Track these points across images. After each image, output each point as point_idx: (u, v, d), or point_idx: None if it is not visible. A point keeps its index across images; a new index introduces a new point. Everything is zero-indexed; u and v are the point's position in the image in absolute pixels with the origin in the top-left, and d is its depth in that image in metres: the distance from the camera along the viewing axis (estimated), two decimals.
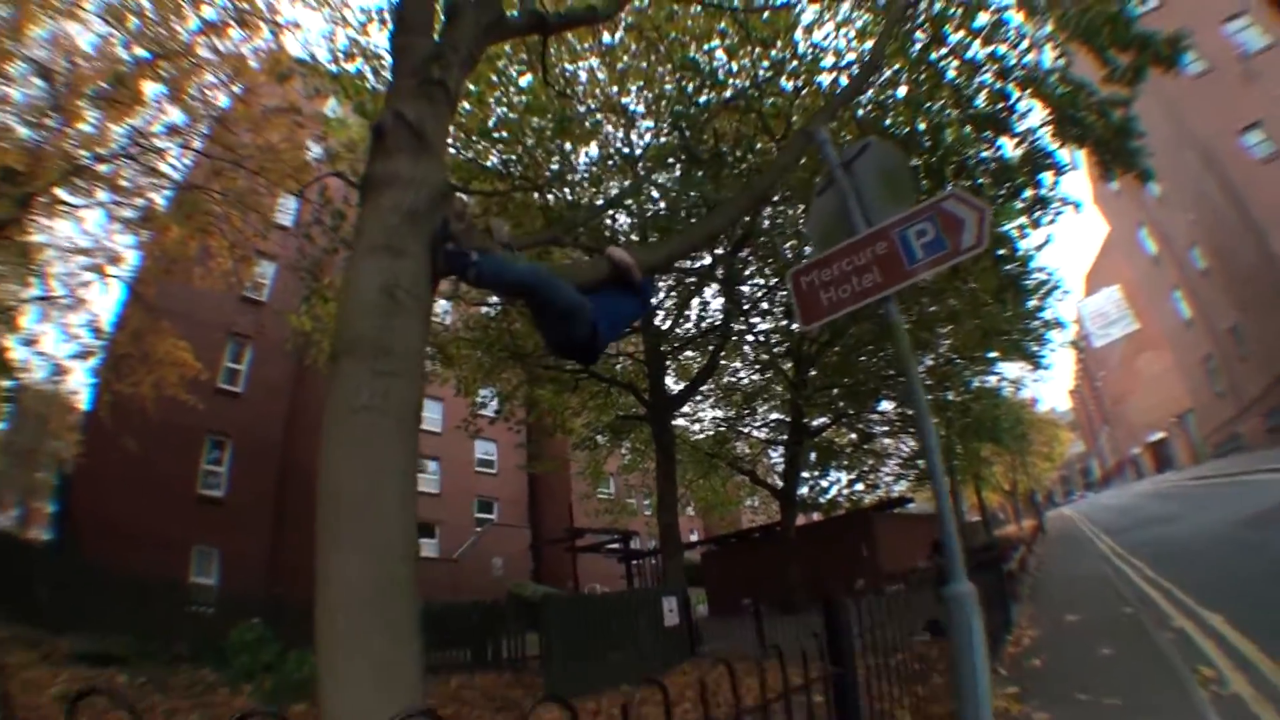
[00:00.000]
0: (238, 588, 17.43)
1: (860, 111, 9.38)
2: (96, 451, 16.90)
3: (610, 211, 12.29)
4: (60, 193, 11.73)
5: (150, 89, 11.60)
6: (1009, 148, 9.60)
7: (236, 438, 21.26)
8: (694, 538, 35.00)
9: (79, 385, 20.67)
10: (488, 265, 2.67)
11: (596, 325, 2.92)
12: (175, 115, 12.26)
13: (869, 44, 9.80)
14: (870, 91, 9.61)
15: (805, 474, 21.45)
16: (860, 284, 3.51)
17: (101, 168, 11.70)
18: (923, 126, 9.03)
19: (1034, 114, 9.47)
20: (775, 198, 11.18)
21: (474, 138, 11.50)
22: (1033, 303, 14.26)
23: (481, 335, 14.42)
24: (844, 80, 9.67)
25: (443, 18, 3.49)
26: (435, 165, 2.74)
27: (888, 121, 9.31)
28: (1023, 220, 10.59)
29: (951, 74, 8.96)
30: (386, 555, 2.04)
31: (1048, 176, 9.64)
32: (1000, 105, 8.92)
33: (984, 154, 9.53)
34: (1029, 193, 9.78)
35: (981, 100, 9.02)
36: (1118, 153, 8.54)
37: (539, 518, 33.98)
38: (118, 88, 10.94)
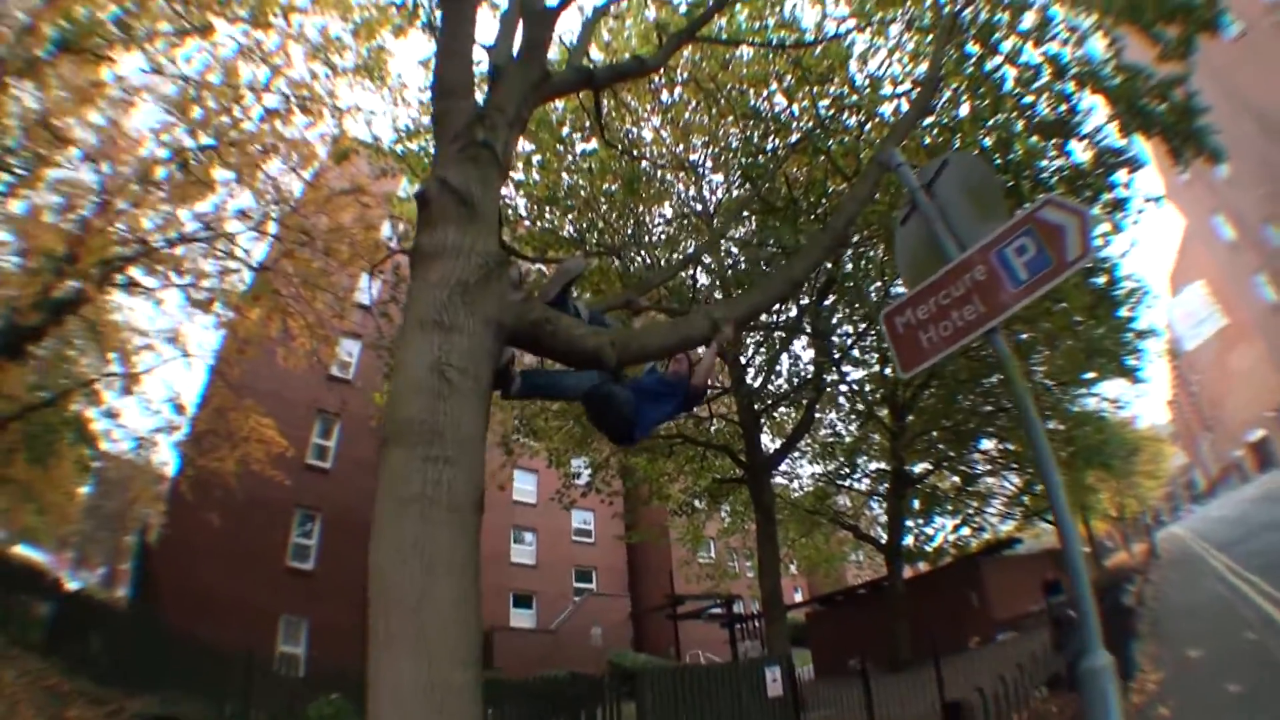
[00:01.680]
0: (327, 658, 17.36)
1: (927, 139, 9.09)
2: (182, 520, 17.37)
3: (688, 270, 12.12)
4: (136, 273, 12.38)
5: (220, 174, 12.23)
6: (1078, 152, 9.22)
7: (326, 512, 21.67)
8: (798, 597, 34.00)
9: (166, 456, 21.62)
10: (528, 381, 2.95)
11: (634, 428, 3.18)
12: (245, 199, 12.95)
13: (924, 67, 9.56)
14: (933, 115, 9.36)
15: (909, 523, 20.49)
16: (961, 317, 3.10)
17: (176, 250, 12.36)
18: (989, 143, 8.67)
19: (1097, 113, 9.08)
20: (855, 239, 10.88)
21: (546, 207, 11.60)
22: (1123, 313, 13.48)
23: (569, 406, 14.29)
24: (906, 107, 9.42)
25: (488, 80, 3.42)
26: (485, 231, 2.57)
27: (956, 144, 8.96)
28: (1104, 227, 10.04)
29: (1010, 84, 8.67)
30: (442, 659, 1.84)
31: (1121, 175, 9.15)
32: (1063, 108, 8.58)
33: (1056, 162, 9.18)
34: (1106, 196, 9.36)
35: (1044, 107, 8.68)
36: (1186, 135, 8.04)
37: (639, 585, 33.27)
38: (185, 174, 11.51)
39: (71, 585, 19.98)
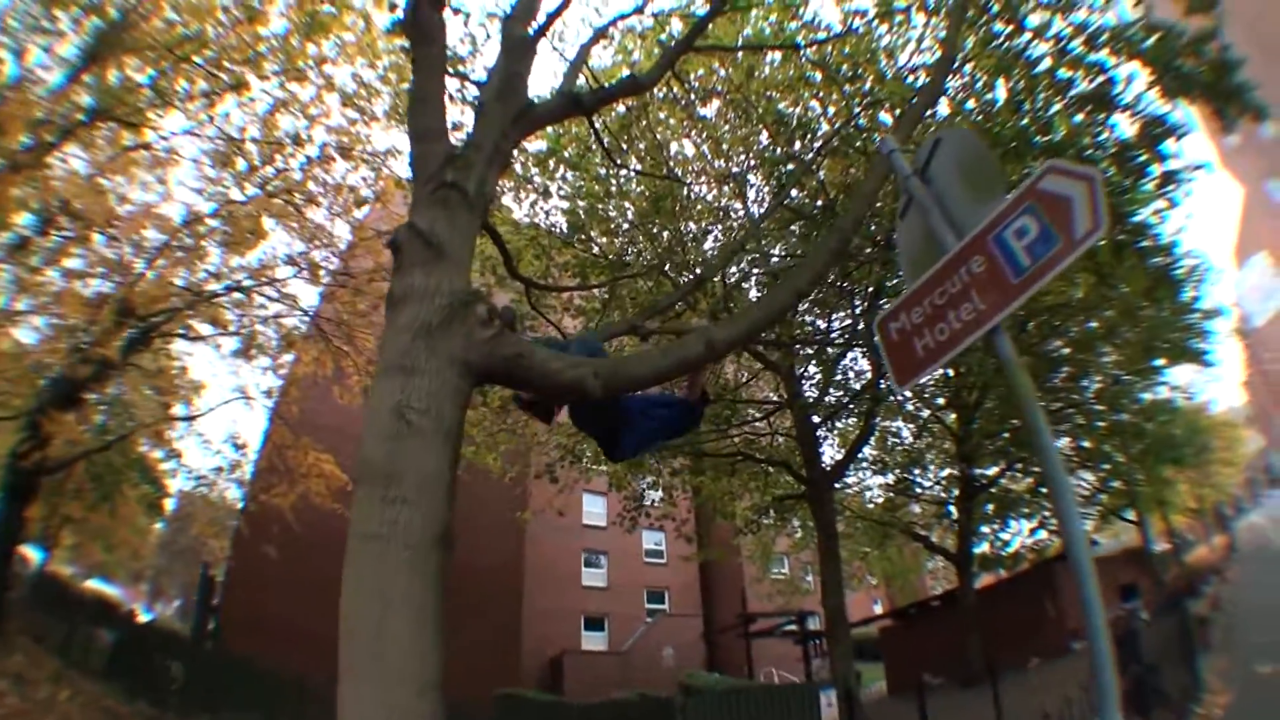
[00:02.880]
0: None
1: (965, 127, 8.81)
2: (250, 553, 18.10)
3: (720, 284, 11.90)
4: (194, 322, 13.04)
5: (268, 223, 12.72)
6: (1121, 126, 8.76)
7: None
8: (877, 608, 33.44)
9: (233, 492, 22.69)
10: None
11: (619, 439, 3.12)
12: (294, 245, 13.49)
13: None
14: (972, 101, 9.14)
15: (984, 529, 19.74)
16: (958, 318, 2.72)
17: (221, 300, 12.93)
18: (1028, 124, 8.35)
19: (1136, 81, 8.64)
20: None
21: (590, 232, 11.69)
22: (1187, 294, 12.76)
23: None
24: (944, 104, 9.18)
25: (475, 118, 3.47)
26: (452, 271, 2.59)
27: (997, 130, 8.63)
28: (1158, 203, 9.47)
29: (1045, 62, 8.33)
30: (399, 687, 1.94)
31: (1169, 145, 8.47)
32: (1099, 79, 8.14)
33: (1100, 137, 8.69)
34: (1155, 169, 8.67)
35: (1080, 80, 8.25)
36: (1225, 93, 7.64)
37: (712, 604, 33.17)
38: (232, 224, 12.01)
39: (145, 617, 21.16)
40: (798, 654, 24.08)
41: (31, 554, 21.55)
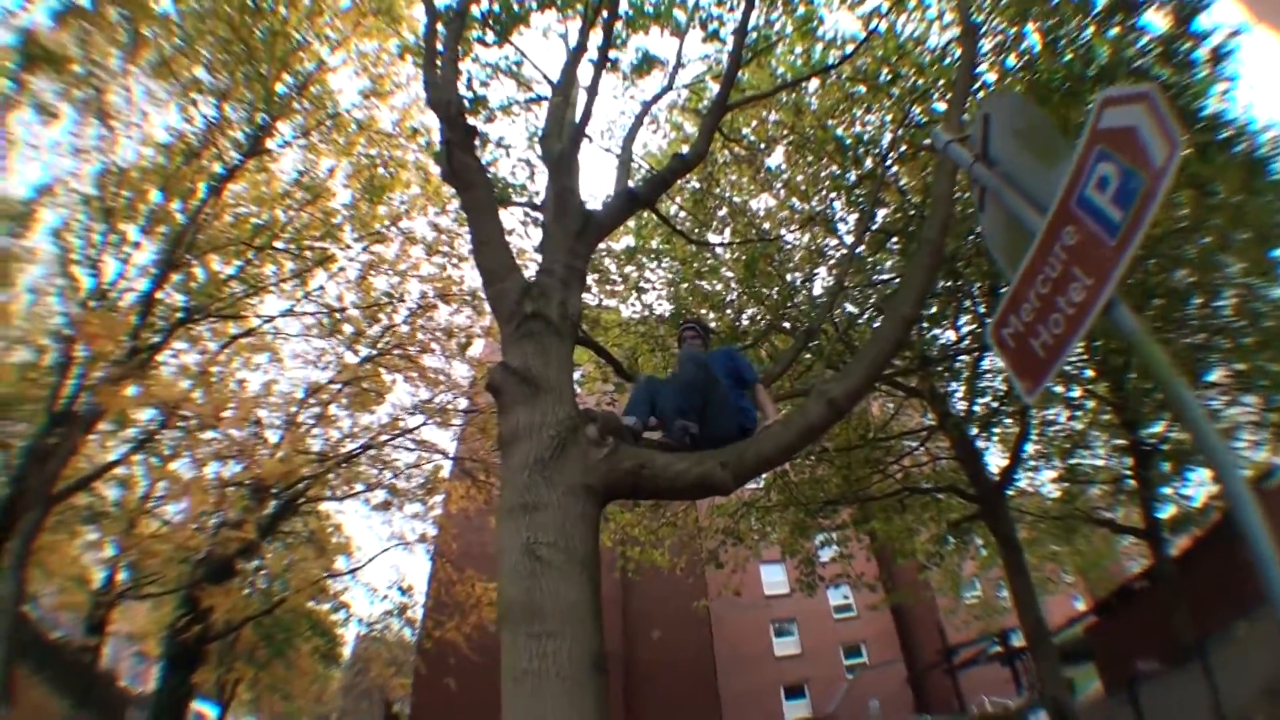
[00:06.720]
0: None
1: (1018, 89, 8.45)
2: (433, 686, 18.55)
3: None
4: (336, 484, 13.80)
5: (388, 376, 13.47)
6: (1155, 23, 8.05)
7: None
8: (1079, 605, 30.95)
9: (406, 632, 23.56)
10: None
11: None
12: (421, 393, 14.11)
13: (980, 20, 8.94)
14: (1013, 58, 8.63)
15: (1165, 491, 17.97)
16: (1068, 301, 2.38)
17: (359, 458, 13.59)
18: (1071, 58, 7.89)
19: None
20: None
21: (700, 313, 11.51)
22: (1277, 168, 11.51)
23: (788, 497, 13.68)
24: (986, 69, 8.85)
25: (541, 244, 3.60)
26: (554, 402, 2.68)
27: (1045, 77, 8.21)
28: (1218, 87, 8.44)
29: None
30: None
31: (1200, 21, 7.79)
32: None
33: (1140, 42, 7.96)
34: (1200, 54, 7.92)
35: None
36: None
37: (912, 645, 31.81)
38: (354, 387, 12.72)
39: None
40: (1007, 676, 22.55)
41: (209, 711, 23.14)
